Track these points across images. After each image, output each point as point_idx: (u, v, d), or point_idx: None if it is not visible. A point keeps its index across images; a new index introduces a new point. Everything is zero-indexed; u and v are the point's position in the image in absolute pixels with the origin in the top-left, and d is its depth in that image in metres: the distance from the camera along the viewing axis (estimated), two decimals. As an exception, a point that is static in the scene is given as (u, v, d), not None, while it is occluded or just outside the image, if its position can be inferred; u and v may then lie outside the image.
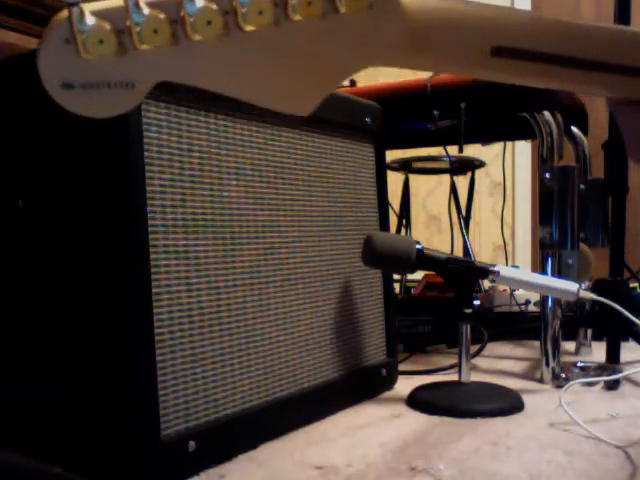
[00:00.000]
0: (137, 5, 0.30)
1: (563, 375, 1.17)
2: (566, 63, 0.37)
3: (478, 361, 1.36)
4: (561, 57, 0.36)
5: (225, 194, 0.82)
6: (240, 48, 0.32)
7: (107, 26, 0.30)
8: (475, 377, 1.08)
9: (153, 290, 0.71)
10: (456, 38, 0.35)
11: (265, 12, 0.31)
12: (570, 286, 1.00)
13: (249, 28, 0.31)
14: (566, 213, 1.16)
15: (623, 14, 1.33)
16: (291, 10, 0.31)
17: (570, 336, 1.47)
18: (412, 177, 2.28)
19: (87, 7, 0.30)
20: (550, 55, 0.36)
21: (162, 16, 0.30)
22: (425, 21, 0.34)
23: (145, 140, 0.71)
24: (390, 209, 1.26)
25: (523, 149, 3.20)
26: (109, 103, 0.33)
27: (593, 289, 1.27)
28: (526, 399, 1.03)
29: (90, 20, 0.30)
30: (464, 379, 1.04)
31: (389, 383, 1.14)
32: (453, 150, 1.54)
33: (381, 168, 1.15)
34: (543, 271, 1.17)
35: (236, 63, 0.32)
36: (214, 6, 0.31)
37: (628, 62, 0.37)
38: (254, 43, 0.32)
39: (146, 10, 0.30)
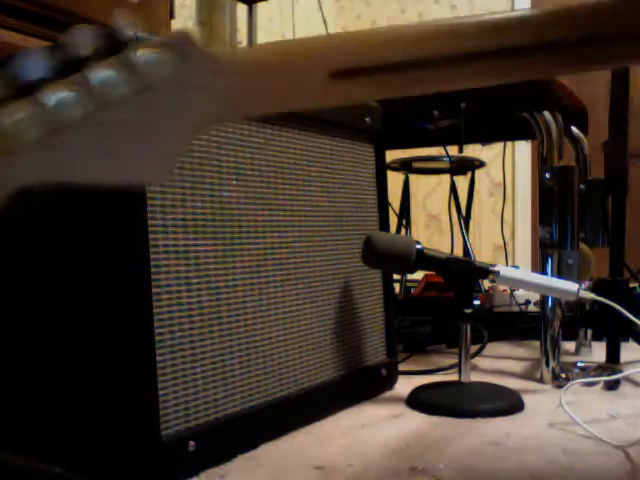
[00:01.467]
0: None
1: (563, 375, 1.17)
2: (410, 67, 0.36)
3: (478, 361, 1.36)
4: (404, 63, 0.35)
5: (225, 194, 0.82)
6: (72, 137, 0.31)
7: None
8: (475, 377, 1.08)
9: (153, 290, 0.71)
10: (287, 74, 0.34)
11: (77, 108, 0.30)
12: (570, 286, 1.00)
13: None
14: (566, 213, 1.16)
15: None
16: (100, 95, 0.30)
17: (570, 336, 1.47)
18: (412, 177, 2.28)
19: None
20: (395, 64, 0.35)
21: None
22: (245, 66, 0.34)
23: (145, 140, 0.71)
24: (390, 209, 1.26)
25: (523, 149, 3.20)
26: None
27: (593, 289, 1.27)
28: (526, 399, 1.03)
29: None
30: (464, 379, 1.04)
31: (389, 383, 1.13)
32: (453, 150, 1.54)
33: (381, 168, 1.15)
34: (543, 271, 1.17)
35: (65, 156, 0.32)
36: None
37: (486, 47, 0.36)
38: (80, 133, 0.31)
39: None
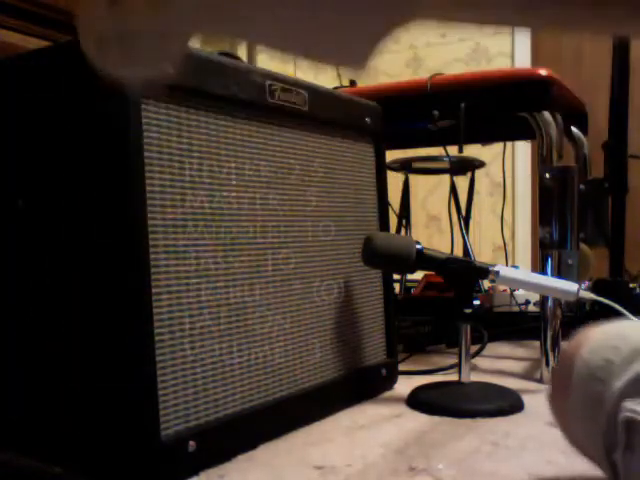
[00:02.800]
0: None
1: (563, 375, 1.16)
2: None
3: (478, 361, 1.36)
4: None
5: (225, 194, 0.82)
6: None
7: None
8: (475, 377, 1.08)
9: (153, 290, 0.71)
10: None
11: None
12: (570, 286, 1.00)
13: None
14: (566, 213, 1.16)
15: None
16: None
17: (570, 336, 1.47)
18: (412, 177, 2.28)
19: None
20: None
21: None
22: None
23: (145, 140, 0.71)
24: (390, 209, 1.26)
25: (523, 149, 3.20)
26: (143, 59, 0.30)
27: (593, 289, 1.27)
28: (526, 399, 1.03)
29: None
30: (464, 379, 1.04)
31: (389, 383, 1.14)
32: (453, 150, 1.54)
33: (381, 168, 1.15)
34: (543, 271, 1.17)
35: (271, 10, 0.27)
36: None
37: None
38: None
39: None
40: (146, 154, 0.71)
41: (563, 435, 0.67)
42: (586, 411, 0.57)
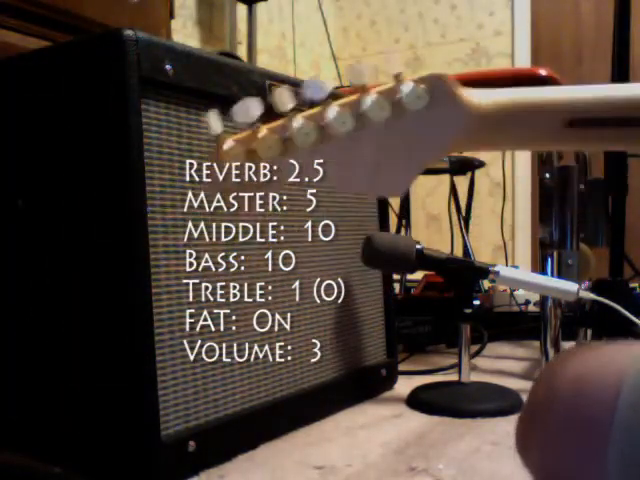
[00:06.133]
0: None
1: (563, 375, 1.16)
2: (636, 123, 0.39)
3: (478, 361, 1.36)
4: (633, 119, 0.39)
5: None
6: (335, 149, 0.40)
7: (276, 136, 0.41)
8: (475, 377, 1.08)
9: (153, 290, 0.71)
10: (527, 120, 0.40)
11: (347, 122, 0.40)
12: (570, 286, 1.00)
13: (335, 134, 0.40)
14: (566, 213, 1.16)
15: (623, 14, 1.33)
16: (369, 115, 0.39)
17: (570, 336, 1.47)
18: (412, 177, 2.27)
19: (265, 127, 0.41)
20: (624, 118, 0.39)
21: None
22: (491, 111, 0.39)
23: (145, 140, 0.71)
24: (390, 209, 1.26)
25: (523, 149, 3.19)
26: None
27: (593, 289, 1.27)
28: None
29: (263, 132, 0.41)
30: (464, 379, 1.04)
31: (389, 383, 1.13)
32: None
33: (381, 168, 1.15)
34: (543, 271, 1.17)
35: (339, 159, 0.40)
36: (311, 124, 0.41)
37: None
38: (349, 143, 0.40)
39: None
40: (146, 154, 0.71)
41: None
42: None
